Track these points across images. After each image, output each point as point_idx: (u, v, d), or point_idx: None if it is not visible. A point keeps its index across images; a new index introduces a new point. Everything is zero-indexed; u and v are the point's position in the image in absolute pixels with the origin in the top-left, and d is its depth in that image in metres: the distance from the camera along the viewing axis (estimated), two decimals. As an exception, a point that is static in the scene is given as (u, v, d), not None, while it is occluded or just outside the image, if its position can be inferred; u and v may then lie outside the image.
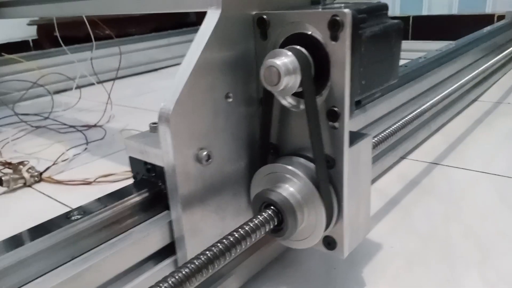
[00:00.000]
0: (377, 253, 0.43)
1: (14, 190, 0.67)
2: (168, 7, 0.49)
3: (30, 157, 0.78)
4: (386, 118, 0.59)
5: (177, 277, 0.24)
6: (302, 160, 0.33)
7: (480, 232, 0.46)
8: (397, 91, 0.61)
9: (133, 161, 0.34)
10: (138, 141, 0.33)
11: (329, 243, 0.34)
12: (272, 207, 0.32)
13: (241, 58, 0.33)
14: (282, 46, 0.31)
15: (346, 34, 0.28)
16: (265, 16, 0.32)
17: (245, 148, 0.35)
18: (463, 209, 0.51)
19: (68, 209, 0.31)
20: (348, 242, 0.33)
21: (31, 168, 0.70)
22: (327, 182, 0.31)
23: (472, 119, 0.82)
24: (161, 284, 0.23)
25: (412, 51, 1.45)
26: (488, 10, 1.35)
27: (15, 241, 0.28)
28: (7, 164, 0.72)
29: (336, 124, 0.31)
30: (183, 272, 0.25)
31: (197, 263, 0.26)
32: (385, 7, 0.33)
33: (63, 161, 0.76)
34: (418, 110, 0.52)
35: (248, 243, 0.29)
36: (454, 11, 1.41)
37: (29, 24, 1.55)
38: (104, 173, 0.68)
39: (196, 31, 0.31)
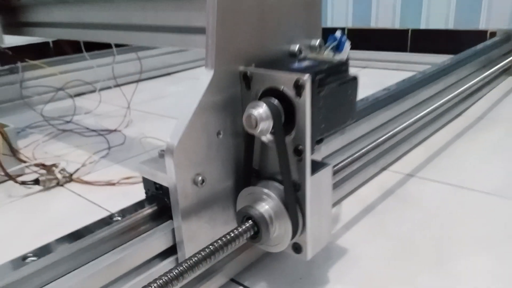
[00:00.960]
0: (349, 250, 0.53)
1: (49, 189, 0.76)
2: (177, 44, 0.58)
3: (59, 159, 0.88)
4: (367, 136, 0.68)
5: (178, 270, 0.34)
6: (276, 183, 0.42)
7: (439, 237, 0.54)
8: (377, 113, 0.69)
9: (145, 180, 0.44)
10: (149, 166, 0.42)
11: (296, 248, 0.44)
12: (251, 220, 0.41)
13: (230, 102, 0.42)
14: (262, 95, 0.41)
15: (306, 93, 0.37)
16: (248, 73, 0.41)
17: (233, 172, 0.44)
18: (427, 217, 0.59)
19: (96, 207, 0.39)
20: (310, 248, 0.43)
21: (63, 169, 0.79)
22: (294, 202, 0.41)
23: (454, 133, 0.90)
24: (168, 275, 0.33)
25: (410, 63, 1.52)
26: (482, 26, 1.42)
27: (75, 236, 0.38)
28: (42, 166, 0.80)
29: (300, 158, 0.40)
30: (183, 267, 0.35)
31: (193, 261, 0.35)
32: (344, 64, 0.42)
33: (90, 163, 0.86)
34: (389, 133, 0.61)
35: (233, 247, 0.39)
36: (450, 25, 1.48)
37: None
38: (126, 176, 0.78)
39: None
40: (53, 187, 0.77)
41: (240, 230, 0.40)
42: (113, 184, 0.76)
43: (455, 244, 0.53)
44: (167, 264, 0.42)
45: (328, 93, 0.39)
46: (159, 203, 0.43)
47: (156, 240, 0.41)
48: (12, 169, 0.77)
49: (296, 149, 0.40)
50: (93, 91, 1.42)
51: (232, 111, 0.42)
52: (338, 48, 0.46)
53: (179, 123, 0.39)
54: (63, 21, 0.77)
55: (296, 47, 0.46)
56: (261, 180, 0.43)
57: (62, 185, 0.78)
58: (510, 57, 1.23)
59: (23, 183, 0.76)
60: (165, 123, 1.12)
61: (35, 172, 0.80)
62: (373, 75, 1.53)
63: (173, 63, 1.77)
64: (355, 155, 0.52)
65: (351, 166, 0.64)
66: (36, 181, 0.76)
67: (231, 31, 0.39)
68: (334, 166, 0.53)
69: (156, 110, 1.23)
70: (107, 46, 1.40)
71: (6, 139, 0.79)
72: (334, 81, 0.40)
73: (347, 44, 0.46)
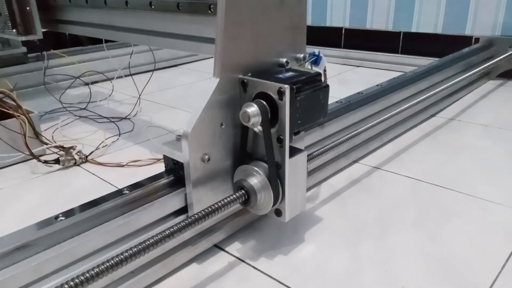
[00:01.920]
0: (315, 224, 0.67)
1: (67, 168, 0.88)
2: (191, 50, 0.72)
3: (76, 142, 0.99)
4: (341, 132, 0.82)
5: (189, 220, 0.48)
6: (263, 163, 0.56)
7: (386, 217, 0.69)
8: (348, 114, 0.83)
9: (166, 157, 0.58)
10: (169, 146, 0.57)
11: (278, 213, 0.58)
12: (243, 190, 0.55)
13: (230, 101, 0.56)
14: (255, 97, 0.54)
15: (286, 98, 0.51)
16: (245, 80, 0.55)
17: (231, 154, 0.58)
18: (382, 202, 0.73)
19: (108, 185, 0.50)
20: (288, 213, 0.57)
21: (79, 151, 0.90)
22: (276, 178, 0.55)
23: (423, 132, 1.03)
24: (182, 222, 0.47)
25: (401, 64, 1.65)
26: (468, 32, 1.54)
27: (94, 203, 0.51)
28: (61, 148, 0.91)
29: (281, 145, 0.54)
30: (192, 218, 0.49)
31: (200, 215, 0.50)
32: (319, 75, 0.56)
33: (103, 147, 0.98)
34: (358, 130, 0.74)
35: (228, 209, 0.53)
36: (439, 30, 1.60)
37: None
38: (134, 159, 0.89)
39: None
40: (71, 166, 0.88)
41: (235, 196, 0.54)
42: (123, 166, 0.88)
43: (396, 222, 0.67)
44: (180, 220, 0.56)
45: (303, 98, 0.53)
46: (175, 174, 0.57)
47: (173, 201, 0.55)
48: (36, 150, 0.89)
49: (279, 138, 0.54)
50: (106, 80, 1.54)
51: (232, 108, 0.56)
52: (315, 62, 0.60)
53: (192, 116, 0.53)
54: (93, 22, 0.90)
55: (284, 60, 0.59)
56: (252, 161, 0.58)
57: (78, 165, 0.89)
58: (489, 62, 1.36)
59: (45, 162, 0.88)
60: (171, 113, 1.23)
61: (55, 153, 0.90)
62: (365, 73, 1.66)
63: (181, 55, 1.89)
64: (327, 146, 0.66)
65: (326, 157, 0.77)
66: (57, 161, 0.87)
67: (233, 50, 0.53)
68: (311, 153, 0.67)
69: (163, 101, 1.34)
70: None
71: (31, 124, 0.89)
72: (309, 88, 0.54)
73: (324, 59, 0.60)
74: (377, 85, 0.95)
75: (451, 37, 1.58)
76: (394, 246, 0.61)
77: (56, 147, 0.92)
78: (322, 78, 0.57)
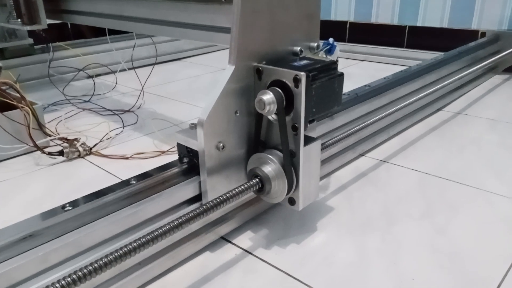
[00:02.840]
0: (322, 216, 0.67)
1: (71, 160, 0.87)
2: (203, 39, 0.71)
3: (80, 135, 0.97)
4: (349, 124, 0.82)
5: (203, 207, 0.48)
6: (277, 152, 0.56)
7: (393, 210, 0.68)
8: (356, 106, 0.83)
9: (180, 146, 0.58)
10: (183, 134, 0.56)
11: (291, 201, 0.58)
12: (258, 178, 0.55)
13: (245, 89, 0.56)
14: (269, 85, 0.54)
15: (302, 85, 0.51)
16: (260, 68, 0.54)
17: (245, 142, 0.58)
18: (389, 195, 0.73)
19: (113, 177, 0.49)
20: (301, 201, 0.57)
21: (83, 143, 0.89)
22: (290, 166, 0.55)
23: (430, 126, 1.03)
24: (196, 210, 0.47)
25: (406, 58, 1.65)
26: (474, 26, 1.54)
27: (101, 193, 0.51)
28: (65, 139, 0.90)
29: (296, 133, 0.54)
30: (208, 205, 0.49)
31: (214, 202, 0.50)
32: (334, 63, 0.56)
33: (107, 139, 0.96)
34: (365, 123, 0.74)
35: (242, 197, 0.53)
36: (445, 24, 1.60)
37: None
38: (138, 151, 0.88)
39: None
40: (75, 158, 0.88)
41: (249, 184, 0.54)
42: (127, 158, 0.87)
43: (402, 215, 0.67)
44: (195, 207, 0.56)
45: (318, 86, 0.52)
46: (189, 162, 0.57)
47: (187, 190, 0.55)
48: (39, 142, 0.88)
49: (294, 126, 0.54)
50: (110, 73, 1.53)
51: (246, 96, 0.56)
52: (330, 51, 0.59)
53: (207, 104, 0.53)
54: (104, 12, 0.89)
55: (298, 49, 0.59)
56: (267, 149, 0.58)
57: (83, 157, 0.88)
58: (495, 56, 1.36)
59: (49, 153, 0.87)
60: (174, 106, 1.22)
61: (59, 145, 0.89)
62: (369, 68, 1.66)
63: (185, 48, 1.89)
64: (336, 138, 0.66)
65: (333, 150, 0.77)
66: (61, 153, 0.86)
67: (248, 38, 0.53)
68: (323, 143, 0.67)
69: (166, 94, 1.33)
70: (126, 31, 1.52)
71: (34, 115, 0.89)
72: (324, 76, 0.54)
73: (337, 49, 0.60)
74: (384, 78, 0.94)
75: (457, 31, 1.57)
76: (402, 239, 0.61)
77: (60, 139, 0.91)
78: (337, 67, 0.57)
